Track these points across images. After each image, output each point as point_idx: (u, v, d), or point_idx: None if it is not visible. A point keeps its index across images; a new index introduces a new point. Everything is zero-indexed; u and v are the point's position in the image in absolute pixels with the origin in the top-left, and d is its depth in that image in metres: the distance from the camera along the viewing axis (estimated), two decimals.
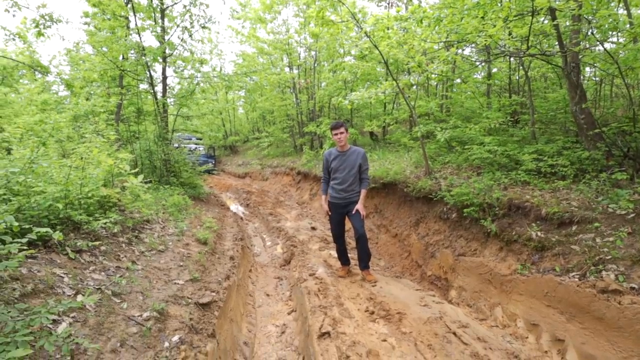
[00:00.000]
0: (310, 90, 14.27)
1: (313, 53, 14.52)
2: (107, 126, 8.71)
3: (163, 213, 4.93)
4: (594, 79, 6.17)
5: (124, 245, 3.25)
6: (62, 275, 2.33)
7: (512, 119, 6.20)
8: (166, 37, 7.09)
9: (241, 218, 9.08)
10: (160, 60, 6.85)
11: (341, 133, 3.76)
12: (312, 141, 14.65)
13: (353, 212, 3.83)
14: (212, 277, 3.37)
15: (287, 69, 16.09)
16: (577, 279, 2.58)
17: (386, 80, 9.73)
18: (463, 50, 7.30)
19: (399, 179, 6.05)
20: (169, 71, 8.32)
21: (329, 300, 3.08)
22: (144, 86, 8.61)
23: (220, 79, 7.44)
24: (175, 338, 2.17)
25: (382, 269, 5.26)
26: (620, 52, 4.21)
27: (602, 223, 2.92)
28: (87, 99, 9.80)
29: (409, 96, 7.52)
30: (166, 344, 2.09)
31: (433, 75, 9.34)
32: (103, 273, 2.62)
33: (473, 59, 6.76)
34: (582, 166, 3.90)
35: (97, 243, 2.89)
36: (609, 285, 2.34)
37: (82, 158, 3.23)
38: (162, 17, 7.09)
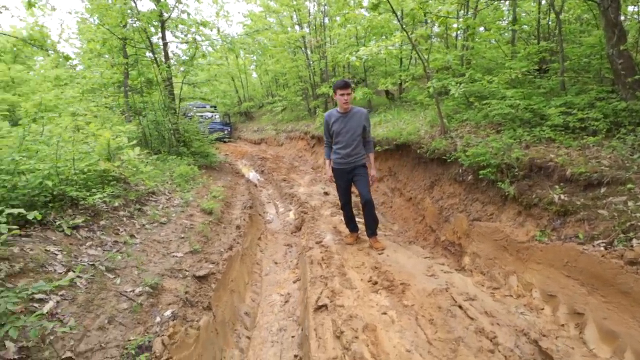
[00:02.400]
0: (322, 49, 13.57)
1: (324, 8, 13.63)
2: (117, 98, 8.64)
3: (170, 184, 4.91)
4: (636, 17, 5.39)
5: (124, 219, 3.23)
6: (56, 252, 2.30)
7: (539, 69, 5.61)
8: None
9: (255, 185, 9.06)
10: (158, 24, 6.54)
11: (348, 94, 3.47)
12: (325, 103, 14.17)
13: (362, 177, 3.64)
14: (215, 247, 3.33)
15: (297, 28, 15.27)
16: (602, 248, 2.33)
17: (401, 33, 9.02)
18: None
19: (412, 140, 5.72)
20: (170, 37, 7.98)
21: (331, 269, 2.98)
22: (151, 55, 8.35)
23: (222, 40, 7.07)
24: (168, 313, 2.14)
25: (395, 234, 5.13)
26: None
27: (637, 184, 2.59)
28: (99, 72, 9.67)
29: (425, 49, 6.91)
30: (158, 319, 2.06)
31: (454, 26, 8.54)
32: (99, 248, 2.60)
33: None
34: (618, 119, 3.46)
35: (92, 219, 2.87)
36: None
37: (74, 132, 3.14)
38: None
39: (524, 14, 7.94)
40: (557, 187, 3.06)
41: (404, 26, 4.83)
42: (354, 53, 5.54)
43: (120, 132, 4.16)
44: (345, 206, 3.93)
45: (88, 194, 2.99)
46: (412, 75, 9.44)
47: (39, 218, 2.12)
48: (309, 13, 14.38)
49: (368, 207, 3.60)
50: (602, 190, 2.74)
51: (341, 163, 3.70)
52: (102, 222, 2.96)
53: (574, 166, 3.03)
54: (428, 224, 4.92)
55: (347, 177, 3.75)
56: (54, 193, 2.75)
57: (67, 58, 6.63)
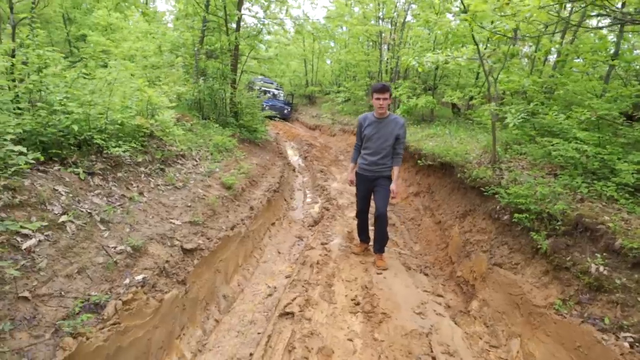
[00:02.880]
0: (397, 48, 13.06)
1: (410, 6, 13.04)
2: (188, 59, 9.08)
3: (205, 151, 5.06)
4: None
5: (142, 175, 3.37)
6: (63, 193, 2.45)
7: (630, 115, 4.80)
8: None
9: (293, 170, 9.12)
10: None
11: (384, 99, 3.28)
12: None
13: (383, 188, 3.44)
14: (217, 223, 3.36)
15: (381, 22, 14.83)
16: (627, 344, 1.92)
17: (487, 44, 8.25)
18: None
19: (457, 161, 5.27)
20: (245, 10, 8.12)
21: (319, 276, 2.86)
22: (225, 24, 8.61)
23: (292, 20, 7.09)
24: (139, 277, 2.18)
25: (413, 255, 4.82)
26: None
27: None
28: (179, 31, 10.27)
29: (502, 67, 6.26)
30: (127, 281, 2.11)
31: (553, 50, 7.56)
32: (105, 198, 2.73)
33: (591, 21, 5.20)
34: None
35: (112, 168, 3.02)
36: None
37: (109, 83, 3.31)
38: None
39: (636, 52, 6.83)
40: (599, 255, 2.59)
41: (476, 40, 4.37)
42: (416, 58, 5.19)
43: (166, 92, 4.34)
44: (361, 214, 3.76)
45: (114, 144, 3.15)
46: (484, 93, 8.72)
47: (41, 159, 2.25)
48: (395, 8, 13.85)
49: (380, 222, 3.39)
50: None
51: (365, 169, 3.53)
52: (119, 174, 3.12)
53: (627, 237, 2.53)
54: (449, 254, 4.54)
55: (368, 185, 3.56)
56: (81, 138, 2.93)
57: (144, 14, 7.08)
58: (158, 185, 3.39)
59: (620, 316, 2.14)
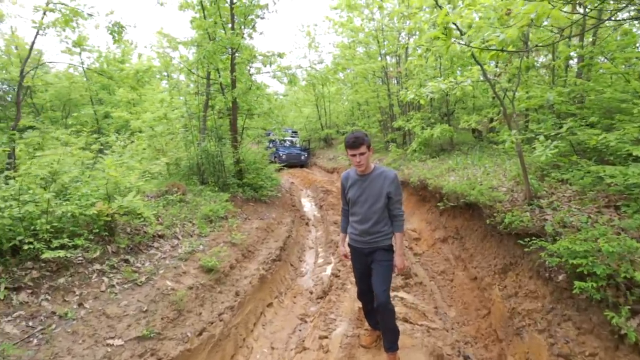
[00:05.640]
0: (405, 79, 12.68)
1: (409, 38, 12.82)
2: (195, 122, 8.96)
3: (191, 225, 4.53)
4: None
5: (94, 275, 2.81)
6: None
7: None
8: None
9: (307, 223, 8.43)
10: (229, 54, 6.58)
11: (361, 154, 2.47)
12: (403, 136, 13.09)
13: (381, 266, 2.62)
14: (183, 328, 2.67)
15: (383, 58, 14.72)
16: None
17: (497, 62, 7.58)
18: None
19: (484, 202, 4.38)
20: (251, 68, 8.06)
21: None
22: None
23: (283, 74, 6.84)
24: None
25: (449, 324, 3.85)
26: None
27: None
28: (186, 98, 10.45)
29: (519, 83, 5.47)
30: None
31: (573, 53, 6.77)
32: (23, 324, 2.15)
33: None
34: None
35: (52, 274, 2.48)
36: None
37: (51, 177, 2.88)
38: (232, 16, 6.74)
39: None
40: None
41: (477, 58, 3.71)
42: (414, 90, 4.56)
43: (136, 169, 3.93)
44: (362, 296, 2.91)
45: (56, 244, 2.64)
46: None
47: None
48: (397, 42, 13.70)
49: (382, 314, 2.54)
50: None
51: (358, 241, 2.71)
52: (60, 280, 2.57)
53: None
54: (493, 326, 3.53)
55: (364, 260, 2.74)
56: (9, 245, 2.45)
57: (134, 88, 7.10)
58: (112, 285, 2.79)
59: None
